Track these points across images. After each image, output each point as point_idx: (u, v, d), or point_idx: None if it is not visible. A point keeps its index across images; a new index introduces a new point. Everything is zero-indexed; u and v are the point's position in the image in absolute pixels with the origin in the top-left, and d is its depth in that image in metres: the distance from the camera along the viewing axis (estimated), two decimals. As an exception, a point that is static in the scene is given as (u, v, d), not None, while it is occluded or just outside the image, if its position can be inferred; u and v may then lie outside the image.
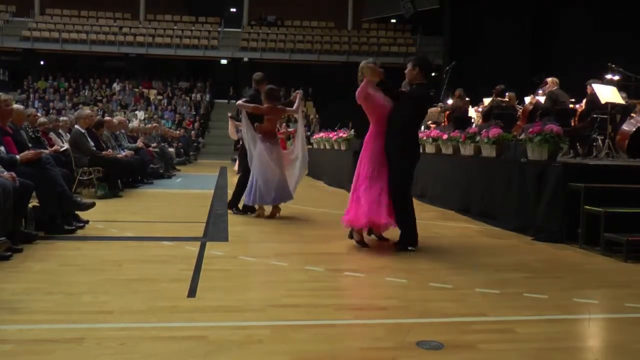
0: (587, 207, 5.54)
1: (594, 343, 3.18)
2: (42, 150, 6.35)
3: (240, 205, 7.50)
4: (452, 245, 5.71)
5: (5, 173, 4.85)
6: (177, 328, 3.07)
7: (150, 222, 6.85)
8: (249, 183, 7.11)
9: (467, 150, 8.21)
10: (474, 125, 10.19)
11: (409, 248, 5.18)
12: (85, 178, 8.70)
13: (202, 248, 5.11)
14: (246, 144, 7.24)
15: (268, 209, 7.32)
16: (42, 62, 29.26)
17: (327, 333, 3.06)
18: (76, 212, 6.00)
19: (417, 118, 5.56)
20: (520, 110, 10.30)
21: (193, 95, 28.81)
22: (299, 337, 2.98)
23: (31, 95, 27.29)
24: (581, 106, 9.40)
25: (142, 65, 29.09)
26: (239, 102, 7.36)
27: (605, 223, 5.31)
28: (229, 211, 7.47)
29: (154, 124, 17.97)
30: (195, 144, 24.20)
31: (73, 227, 5.73)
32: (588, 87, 8.94)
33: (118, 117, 14.15)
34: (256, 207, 7.30)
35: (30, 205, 5.48)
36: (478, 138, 7.78)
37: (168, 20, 29.81)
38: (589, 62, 13.05)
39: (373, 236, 5.62)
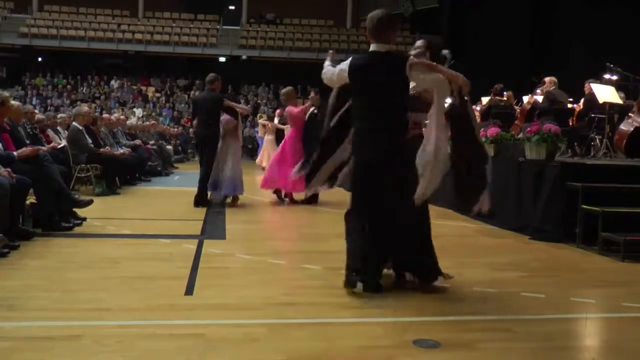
0: (584, 206, 5.54)
1: (591, 342, 3.19)
2: (40, 147, 6.33)
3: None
4: (450, 244, 5.71)
5: (2, 170, 4.84)
6: (175, 326, 3.07)
7: (148, 219, 6.85)
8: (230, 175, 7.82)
9: (465, 149, 8.20)
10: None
11: None
12: (83, 175, 8.68)
13: (200, 246, 5.11)
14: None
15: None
16: (40, 59, 29.14)
17: (325, 331, 3.06)
18: (74, 210, 5.99)
19: None
20: (519, 110, 10.31)
21: (191, 92, 28.76)
22: (296, 336, 2.98)
23: (29, 92, 27.19)
24: (579, 106, 9.40)
25: (141, 63, 29.02)
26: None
27: (603, 222, 5.32)
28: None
29: (152, 122, 17.93)
30: (193, 142, 24.13)
31: (71, 225, 5.72)
32: (586, 86, 8.95)
33: (116, 115, 14.13)
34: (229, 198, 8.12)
35: (27, 202, 5.47)
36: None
37: (167, 17, 29.71)
38: (588, 62, 13.06)
39: None
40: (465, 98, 3.78)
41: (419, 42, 4.11)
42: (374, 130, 3.80)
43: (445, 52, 4.05)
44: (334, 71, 4.04)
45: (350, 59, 4.04)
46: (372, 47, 3.93)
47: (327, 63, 4.17)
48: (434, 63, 3.76)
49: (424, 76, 3.69)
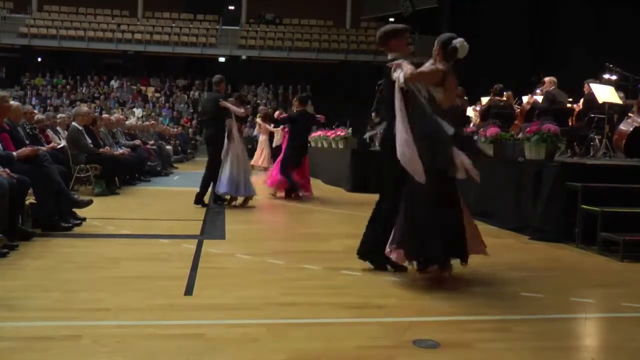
0: (584, 206, 5.54)
1: (590, 342, 3.19)
2: (40, 147, 6.33)
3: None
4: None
5: (0, 169, 4.83)
6: (174, 326, 3.08)
7: (147, 219, 6.85)
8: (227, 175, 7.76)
9: (464, 149, 8.20)
10: (472, 125, 10.20)
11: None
12: (82, 175, 8.68)
13: (200, 246, 5.11)
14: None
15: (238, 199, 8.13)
16: (39, 59, 29.16)
17: (324, 331, 3.06)
18: (73, 210, 5.99)
19: None
20: (518, 110, 10.30)
21: (191, 92, 28.79)
22: (295, 336, 2.99)
23: (28, 92, 27.21)
24: (579, 106, 9.40)
25: (140, 63, 29.04)
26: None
27: (602, 222, 5.32)
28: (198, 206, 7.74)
29: (152, 122, 17.93)
30: (192, 142, 24.16)
31: (70, 225, 5.72)
32: (585, 86, 8.96)
33: (116, 115, 14.13)
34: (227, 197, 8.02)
35: (27, 202, 5.47)
36: (476, 137, 7.78)
37: (166, 17, 29.73)
38: (588, 62, 13.07)
39: None
40: (412, 87, 4.09)
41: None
42: (389, 130, 4.22)
43: (455, 42, 4.23)
44: None
45: None
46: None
47: None
48: (400, 62, 4.14)
49: (393, 74, 4.08)
